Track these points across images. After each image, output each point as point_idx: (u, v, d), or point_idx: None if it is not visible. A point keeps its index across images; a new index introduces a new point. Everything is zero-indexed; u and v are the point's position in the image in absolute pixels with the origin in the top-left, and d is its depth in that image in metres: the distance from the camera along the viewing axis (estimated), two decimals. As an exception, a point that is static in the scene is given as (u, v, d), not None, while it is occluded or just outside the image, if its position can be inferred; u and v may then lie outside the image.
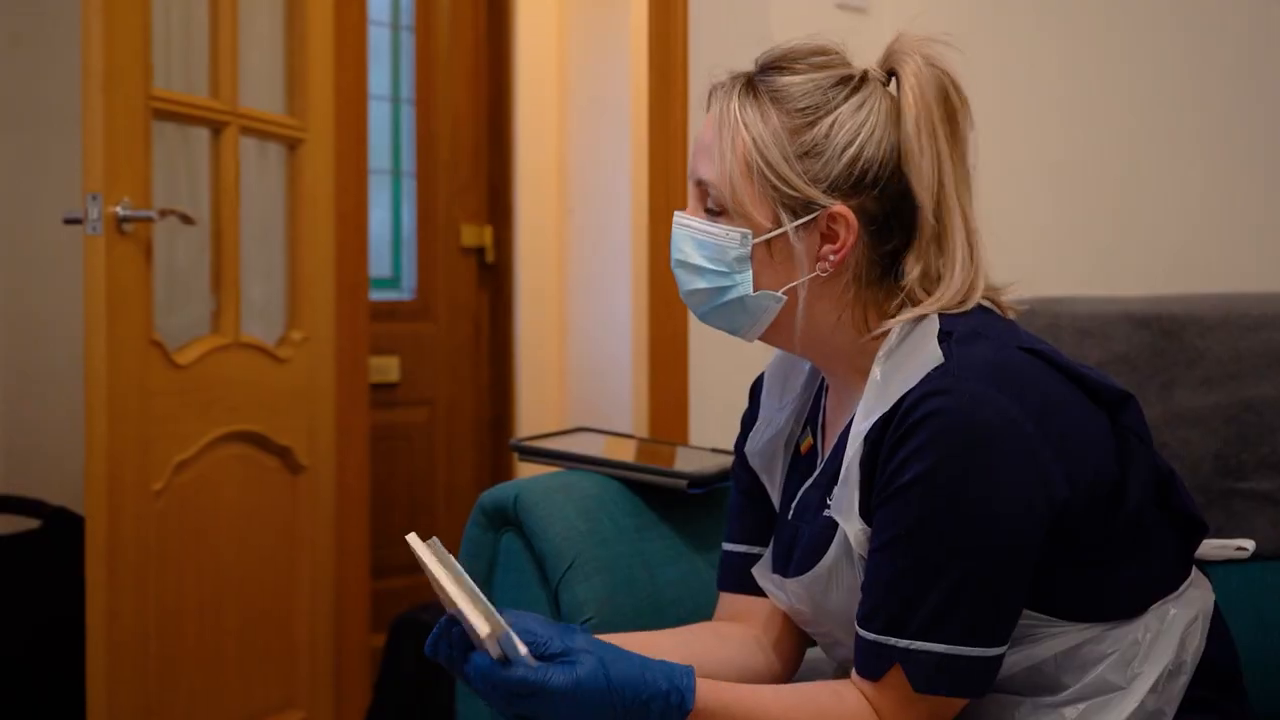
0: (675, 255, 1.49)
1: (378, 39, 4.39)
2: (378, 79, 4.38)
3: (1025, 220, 2.60)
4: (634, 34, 3.97)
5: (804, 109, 1.44)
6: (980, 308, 1.46)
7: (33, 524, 3.22)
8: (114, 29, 2.53)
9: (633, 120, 4.04)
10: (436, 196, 4.58)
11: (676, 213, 1.49)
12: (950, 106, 1.44)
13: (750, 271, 1.45)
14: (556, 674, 1.32)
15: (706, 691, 1.38)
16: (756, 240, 1.44)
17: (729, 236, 1.45)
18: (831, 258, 1.43)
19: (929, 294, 1.44)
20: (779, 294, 1.45)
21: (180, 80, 2.94)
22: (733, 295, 1.46)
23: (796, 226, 1.43)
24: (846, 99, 1.44)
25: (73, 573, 2.71)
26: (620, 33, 4.23)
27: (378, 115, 4.34)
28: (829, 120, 1.43)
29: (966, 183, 1.45)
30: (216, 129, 2.91)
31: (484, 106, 4.66)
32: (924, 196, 1.42)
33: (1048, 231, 2.61)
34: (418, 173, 4.57)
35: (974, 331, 1.40)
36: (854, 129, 1.42)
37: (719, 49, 2.69)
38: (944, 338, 1.39)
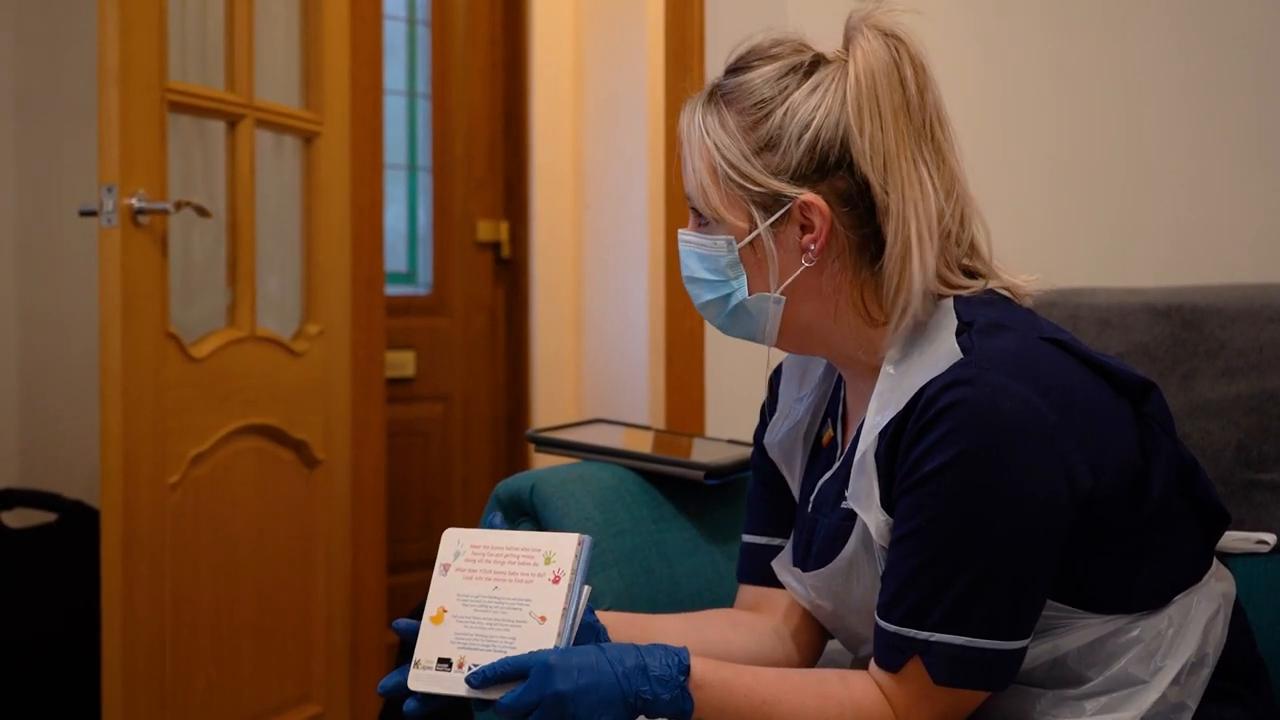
0: (683, 272, 1.50)
1: (393, 33, 4.39)
2: (393, 74, 4.38)
3: (1026, 211, 2.59)
4: (650, 29, 3.96)
5: (756, 104, 1.43)
6: (998, 296, 1.45)
7: (50, 518, 3.23)
8: (130, 22, 2.53)
9: (649, 115, 4.03)
10: (452, 191, 4.58)
11: (680, 230, 1.50)
12: (900, 75, 1.40)
13: (744, 276, 1.45)
14: (544, 656, 1.34)
15: (703, 663, 1.38)
16: (740, 244, 1.44)
17: (717, 245, 1.45)
18: (812, 247, 1.42)
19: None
20: (776, 295, 1.45)
21: (196, 73, 2.94)
22: (734, 302, 1.47)
23: (771, 224, 1.42)
24: (799, 85, 1.43)
25: (89, 566, 2.71)
26: (637, 28, 4.22)
27: (393, 110, 4.33)
28: (781, 110, 1.42)
29: (928, 147, 1.41)
30: (232, 122, 2.91)
31: (500, 101, 4.65)
32: (868, 171, 1.39)
33: (1050, 223, 2.59)
34: (433, 168, 4.56)
35: (995, 322, 1.39)
36: (808, 114, 1.41)
37: (736, 43, 2.67)
38: (964, 329, 1.38)
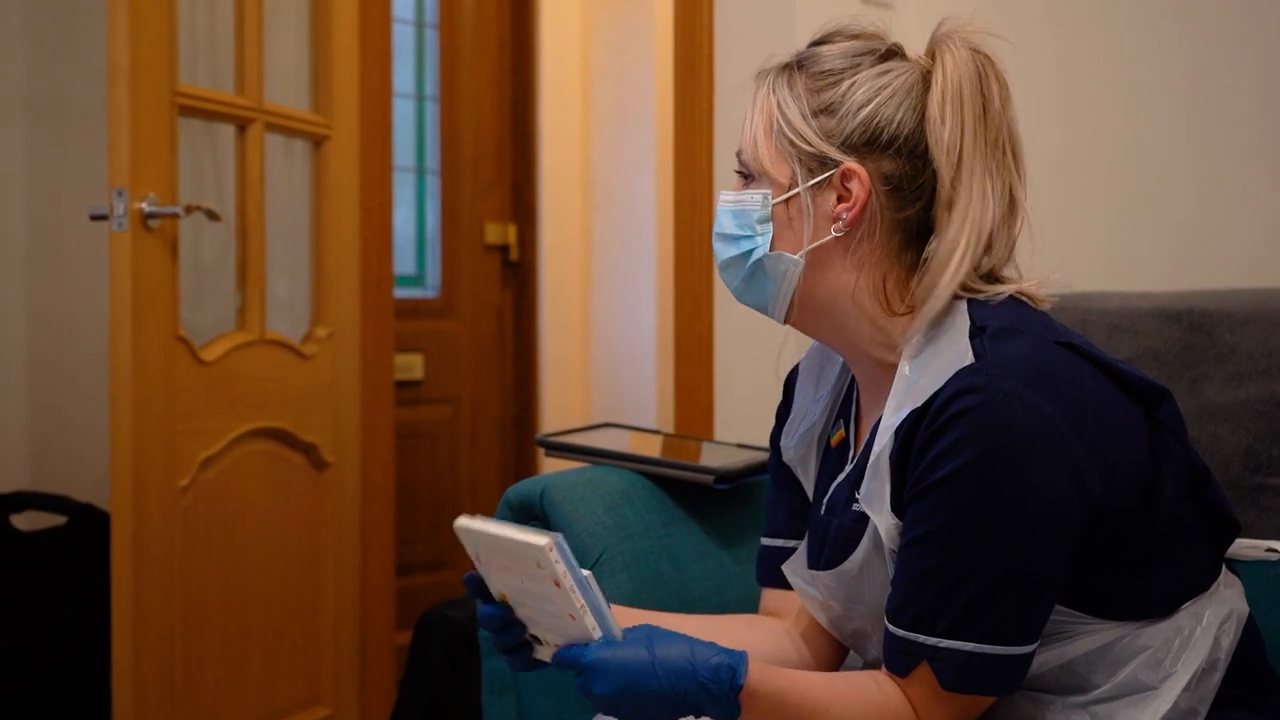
0: (714, 229, 1.53)
1: (402, 36, 4.39)
2: (402, 76, 4.39)
3: (1029, 214, 2.60)
4: (659, 31, 3.96)
5: (826, 71, 1.47)
6: (1013, 299, 1.46)
7: (59, 520, 3.23)
8: (139, 25, 2.54)
9: (657, 117, 4.04)
10: (461, 194, 4.58)
11: (721, 191, 1.53)
12: (985, 85, 1.44)
13: (769, 233, 1.47)
14: (591, 654, 1.33)
15: (760, 673, 1.37)
16: (775, 200, 1.47)
17: (753, 199, 1.48)
18: (846, 216, 1.44)
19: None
20: (797, 256, 1.46)
21: (206, 77, 2.94)
22: (754, 258, 1.48)
23: (812, 185, 1.45)
24: (872, 65, 1.47)
25: (99, 569, 2.72)
26: (645, 30, 4.23)
27: (402, 113, 4.34)
28: (849, 82, 1.46)
29: (998, 161, 1.44)
30: (242, 125, 2.92)
31: (508, 104, 4.66)
32: (941, 162, 1.42)
33: (1054, 226, 2.59)
34: (442, 170, 4.57)
35: (1008, 327, 1.39)
36: (872, 90, 1.45)
37: (744, 48, 2.68)
38: (977, 333, 1.39)
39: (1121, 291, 2.20)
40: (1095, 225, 2.62)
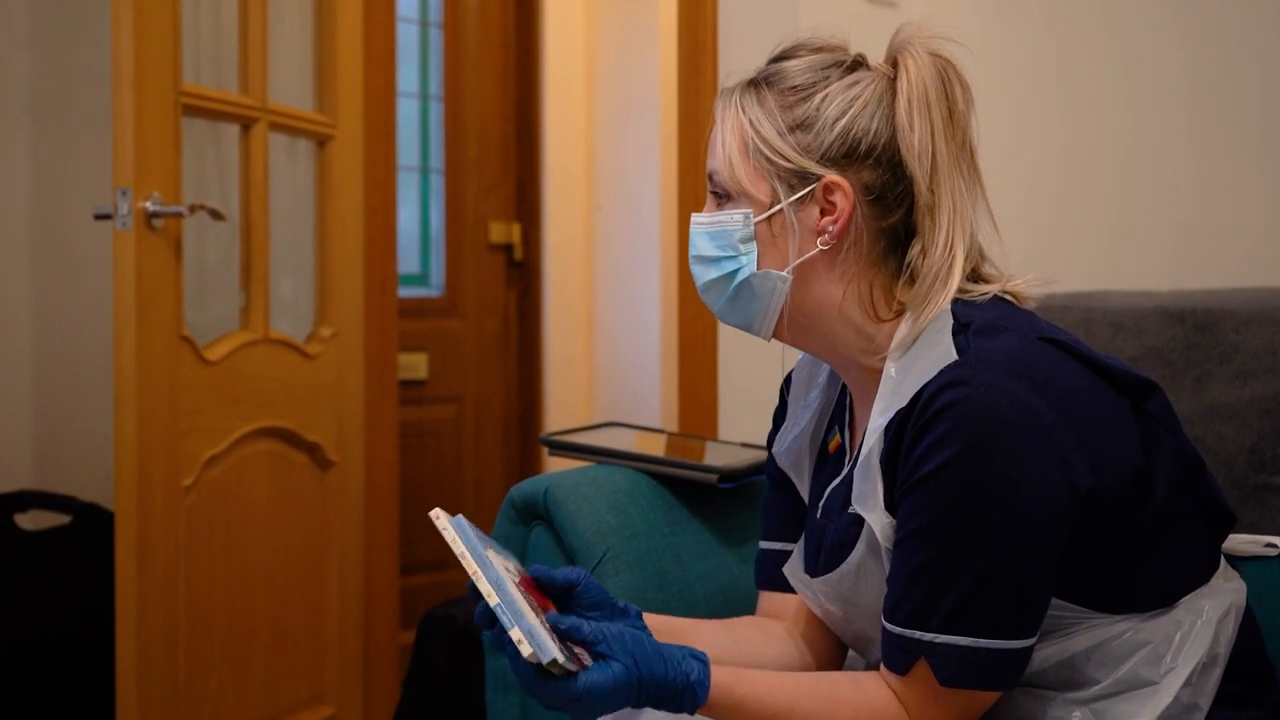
0: (690, 252, 1.52)
1: (406, 36, 4.40)
2: (406, 76, 4.39)
3: (1032, 214, 2.59)
4: (663, 30, 3.96)
5: (796, 86, 1.47)
6: (997, 298, 1.46)
7: (64, 519, 3.23)
8: (144, 24, 2.54)
9: (661, 117, 4.04)
10: (465, 194, 4.58)
11: (693, 214, 1.52)
12: (948, 88, 1.45)
13: (754, 252, 1.47)
14: (589, 678, 1.33)
15: (722, 685, 1.39)
16: (758, 219, 1.47)
17: (733, 220, 1.47)
18: (831, 229, 1.45)
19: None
20: (784, 273, 1.46)
21: (210, 76, 2.95)
22: (740, 278, 1.48)
23: (794, 200, 1.45)
24: (841, 77, 1.47)
25: (103, 568, 2.72)
26: (649, 29, 4.23)
27: (406, 112, 4.34)
28: (820, 95, 1.46)
29: (966, 163, 1.46)
30: (246, 125, 2.92)
31: (512, 103, 4.66)
32: (915, 168, 1.43)
33: (1056, 225, 2.60)
34: (446, 170, 4.57)
35: (992, 323, 1.40)
36: (845, 102, 1.45)
37: (748, 46, 2.68)
38: (961, 330, 1.39)
39: (1124, 290, 2.20)
40: (1096, 225, 2.62)
